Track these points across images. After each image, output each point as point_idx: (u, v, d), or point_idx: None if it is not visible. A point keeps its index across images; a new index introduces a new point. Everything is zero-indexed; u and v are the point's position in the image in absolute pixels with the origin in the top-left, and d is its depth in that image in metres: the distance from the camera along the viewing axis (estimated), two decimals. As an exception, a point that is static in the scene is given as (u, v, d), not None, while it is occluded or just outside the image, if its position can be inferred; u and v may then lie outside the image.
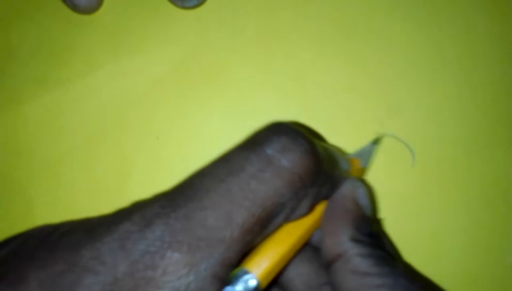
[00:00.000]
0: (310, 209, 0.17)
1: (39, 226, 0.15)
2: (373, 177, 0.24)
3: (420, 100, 0.24)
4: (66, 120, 0.26)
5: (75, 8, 0.25)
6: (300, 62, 0.25)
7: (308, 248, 0.20)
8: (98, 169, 0.26)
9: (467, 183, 0.24)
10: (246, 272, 0.15)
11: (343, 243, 0.17)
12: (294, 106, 0.25)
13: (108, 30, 0.26)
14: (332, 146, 0.20)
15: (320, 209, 0.19)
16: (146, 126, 0.25)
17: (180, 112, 0.25)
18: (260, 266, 0.16)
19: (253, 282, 0.15)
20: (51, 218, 0.25)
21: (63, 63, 0.26)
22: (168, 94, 0.26)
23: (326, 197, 0.19)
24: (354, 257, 0.17)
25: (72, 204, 0.26)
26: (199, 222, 0.13)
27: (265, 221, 0.14)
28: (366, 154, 0.23)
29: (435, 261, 0.24)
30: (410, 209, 0.24)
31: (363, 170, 0.23)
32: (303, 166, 0.15)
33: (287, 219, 0.16)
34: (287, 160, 0.15)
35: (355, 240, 0.18)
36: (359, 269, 0.17)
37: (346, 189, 0.19)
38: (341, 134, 0.25)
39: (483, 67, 0.24)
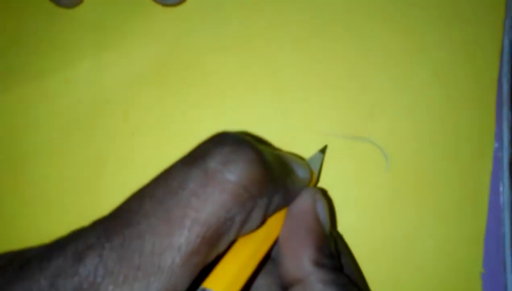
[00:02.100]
0: (263, 220, 0.16)
1: None
2: (346, 180, 0.24)
3: (395, 104, 0.24)
4: (41, 113, 0.26)
5: (58, 2, 0.25)
6: (278, 63, 0.25)
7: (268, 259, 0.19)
8: (72, 162, 0.26)
9: (440, 188, 0.24)
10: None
11: (304, 267, 0.16)
12: (271, 106, 0.25)
13: (89, 25, 0.26)
14: (289, 153, 0.19)
15: (277, 218, 0.18)
16: (121, 122, 0.26)
17: (156, 109, 0.26)
18: (218, 282, 0.15)
19: None
20: (21, 213, 0.25)
21: (41, 56, 0.26)
22: (145, 90, 0.26)
23: (280, 207, 0.17)
24: (316, 284, 0.16)
25: (43, 198, 0.26)
26: (135, 250, 0.13)
27: (213, 240, 0.14)
28: (315, 163, 0.22)
29: (406, 267, 0.24)
30: (383, 214, 0.24)
31: (315, 180, 0.22)
32: (249, 176, 0.14)
33: (239, 233, 0.15)
34: (231, 172, 0.14)
35: (317, 264, 0.17)
36: None
37: (306, 202, 0.18)
38: (315, 137, 0.25)
39: (459, 73, 0.24)
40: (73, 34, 0.26)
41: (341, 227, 0.24)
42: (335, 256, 0.18)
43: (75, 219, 0.25)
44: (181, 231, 0.13)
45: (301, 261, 0.17)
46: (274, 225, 0.18)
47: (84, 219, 0.25)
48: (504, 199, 0.23)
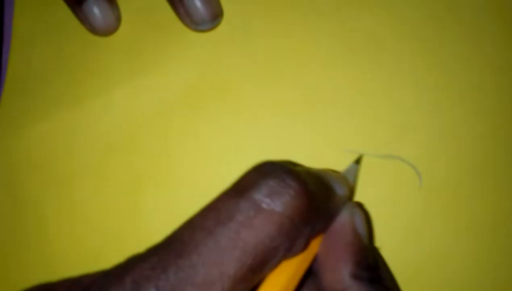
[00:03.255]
0: (305, 246, 0.17)
1: (31, 288, 0.15)
2: (379, 199, 0.25)
3: (426, 122, 0.25)
4: (81, 138, 0.27)
5: (94, 30, 0.26)
6: (308, 83, 0.26)
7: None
8: (111, 186, 0.26)
9: (475, 205, 0.24)
10: None
11: (343, 280, 0.17)
12: (303, 126, 0.26)
13: (124, 51, 0.27)
14: (327, 171, 0.20)
15: (316, 241, 0.18)
16: (158, 145, 0.26)
17: (191, 132, 0.26)
18: None
19: None
20: (64, 234, 0.26)
21: (80, 83, 0.27)
22: (180, 113, 0.26)
23: (323, 230, 0.18)
24: None
25: (85, 220, 0.26)
26: (188, 280, 0.13)
27: (259, 267, 0.14)
28: (351, 174, 0.23)
29: (440, 285, 0.24)
30: (416, 231, 0.24)
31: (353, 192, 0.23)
32: (294, 208, 0.15)
33: (284, 259, 0.16)
34: (276, 204, 0.15)
35: (355, 277, 0.17)
36: None
37: (344, 218, 0.18)
38: (348, 156, 0.25)
39: (490, 90, 0.24)
40: (109, 61, 0.27)
41: (376, 245, 0.24)
42: (373, 268, 0.18)
43: (115, 239, 0.26)
44: (230, 261, 0.14)
45: (340, 275, 0.17)
46: (314, 243, 0.18)
47: (123, 239, 0.26)
48: (541, 216, 0.23)
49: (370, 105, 0.25)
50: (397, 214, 0.25)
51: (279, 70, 0.26)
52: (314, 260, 0.19)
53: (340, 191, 0.19)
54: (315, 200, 0.16)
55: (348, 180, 0.21)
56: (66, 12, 0.27)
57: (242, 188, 0.15)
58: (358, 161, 0.24)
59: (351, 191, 0.22)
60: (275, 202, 0.15)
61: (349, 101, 0.25)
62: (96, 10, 0.25)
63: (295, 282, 0.17)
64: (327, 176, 0.19)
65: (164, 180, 0.26)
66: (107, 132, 0.27)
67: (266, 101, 0.26)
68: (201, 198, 0.25)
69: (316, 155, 0.25)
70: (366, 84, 0.25)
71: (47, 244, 0.26)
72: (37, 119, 0.27)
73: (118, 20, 0.26)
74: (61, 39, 0.28)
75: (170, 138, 0.26)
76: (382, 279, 0.18)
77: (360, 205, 0.22)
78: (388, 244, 0.24)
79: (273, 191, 0.15)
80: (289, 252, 0.15)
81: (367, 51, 0.25)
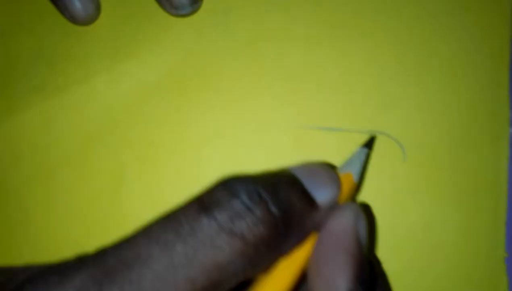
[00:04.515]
0: (269, 266, 0.16)
1: None
2: (365, 174, 0.25)
3: (408, 97, 0.25)
4: (63, 127, 0.27)
5: (73, 19, 0.26)
6: (291, 64, 0.26)
7: None
8: (94, 173, 0.27)
9: (458, 176, 0.24)
10: None
11: None
12: (286, 107, 0.26)
13: (105, 39, 0.27)
14: (315, 167, 0.17)
15: (307, 247, 0.16)
16: (141, 131, 0.26)
17: (174, 117, 0.26)
18: None
19: None
20: (47, 223, 0.26)
21: (60, 72, 0.27)
22: (162, 99, 0.26)
23: (300, 242, 0.16)
24: None
25: (68, 208, 0.27)
26: None
27: (212, 288, 0.13)
28: (357, 162, 0.19)
29: (426, 256, 0.24)
30: (403, 204, 0.25)
31: (357, 185, 0.19)
32: (256, 236, 0.14)
33: (243, 278, 0.14)
34: (238, 229, 0.14)
35: None
36: None
37: (347, 221, 0.16)
38: (331, 133, 0.25)
39: (471, 63, 0.25)
40: (90, 49, 0.27)
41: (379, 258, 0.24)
42: (372, 283, 0.17)
43: (99, 227, 0.26)
44: (183, 280, 0.13)
45: (334, 287, 0.16)
46: (305, 246, 0.16)
47: (107, 227, 0.26)
48: (522, 183, 0.23)
49: (352, 82, 0.25)
50: (383, 188, 0.25)
51: (260, 52, 0.26)
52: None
53: (323, 196, 0.16)
54: (283, 225, 0.15)
55: (337, 175, 0.17)
56: (45, 1, 0.26)
57: (206, 204, 0.14)
58: (369, 144, 0.20)
59: (357, 184, 0.19)
60: (236, 227, 0.14)
61: (332, 79, 0.26)
62: (75, 0, 0.25)
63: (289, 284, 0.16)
64: (306, 181, 0.16)
65: (148, 167, 0.26)
66: (89, 120, 0.27)
67: (248, 84, 0.26)
68: (184, 184, 0.26)
69: (300, 132, 0.25)
70: (348, 61, 0.25)
71: (30, 234, 0.27)
72: (18, 109, 0.27)
73: (98, 8, 0.26)
74: (41, 29, 0.27)
75: (152, 124, 0.26)
76: None
77: (366, 208, 0.20)
78: (375, 217, 0.25)
79: (236, 214, 0.14)
80: (250, 274, 0.15)
81: (347, 29, 0.26)
